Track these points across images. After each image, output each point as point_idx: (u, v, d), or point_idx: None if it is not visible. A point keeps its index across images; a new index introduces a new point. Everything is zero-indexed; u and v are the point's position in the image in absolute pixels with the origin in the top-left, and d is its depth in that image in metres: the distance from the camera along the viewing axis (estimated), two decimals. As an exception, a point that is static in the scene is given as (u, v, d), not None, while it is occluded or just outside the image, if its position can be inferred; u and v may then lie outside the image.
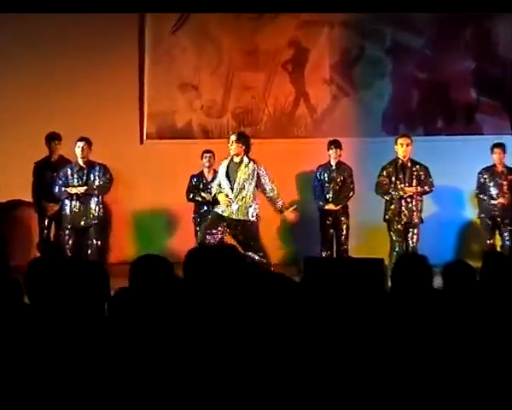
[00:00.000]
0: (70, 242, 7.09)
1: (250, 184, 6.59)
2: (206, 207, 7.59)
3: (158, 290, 2.60)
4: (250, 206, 6.58)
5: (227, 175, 6.63)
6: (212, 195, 6.85)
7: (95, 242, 7.14)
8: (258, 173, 6.63)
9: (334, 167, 7.59)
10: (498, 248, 7.35)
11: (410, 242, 7.12)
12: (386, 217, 7.22)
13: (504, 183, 7.38)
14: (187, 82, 8.84)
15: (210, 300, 2.19)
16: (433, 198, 7.79)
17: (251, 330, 2.32)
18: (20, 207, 8.11)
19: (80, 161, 7.19)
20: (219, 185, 6.70)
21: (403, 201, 7.14)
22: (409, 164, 7.20)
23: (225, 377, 2.04)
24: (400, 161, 7.20)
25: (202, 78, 8.83)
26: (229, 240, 6.61)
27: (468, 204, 8.21)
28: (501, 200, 7.35)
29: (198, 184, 7.75)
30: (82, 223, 7.12)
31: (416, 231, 7.14)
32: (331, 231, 7.51)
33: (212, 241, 6.52)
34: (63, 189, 7.14)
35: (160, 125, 8.83)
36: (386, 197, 7.22)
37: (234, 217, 6.57)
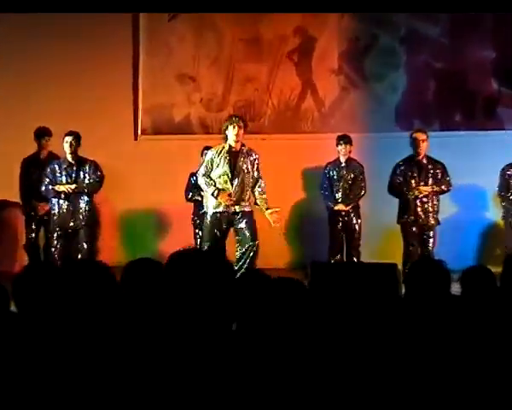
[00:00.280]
0: (58, 245, 7.01)
1: (251, 175, 6.59)
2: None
3: (150, 295, 2.59)
4: (249, 198, 6.59)
5: (230, 165, 6.56)
6: (210, 190, 6.63)
7: (85, 245, 7.03)
8: (257, 165, 6.63)
9: (343, 164, 7.57)
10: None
11: (426, 245, 7.10)
12: (401, 219, 7.21)
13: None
14: (185, 73, 8.85)
15: (191, 309, 2.19)
16: (452, 198, 7.77)
17: (249, 339, 2.33)
18: (5, 207, 8.12)
19: (69, 157, 7.12)
20: (211, 177, 6.57)
21: (418, 201, 7.13)
22: (425, 161, 7.19)
23: (226, 385, 2.05)
24: (415, 159, 7.19)
25: (201, 69, 8.84)
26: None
27: (491, 204, 8.19)
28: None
29: (197, 184, 7.72)
30: (71, 224, 7.03)
31: (432, 233, 7.12)
32: (341, 233, 7.50)
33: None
34: (50, 187, 7.06)
35: (156, 120, 8.83)
36: (400, 198, 7.22)
37: (237, 209, 6.55)
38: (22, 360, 2.26)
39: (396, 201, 7.30)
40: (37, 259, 7.39)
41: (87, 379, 2.16)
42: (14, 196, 7.74)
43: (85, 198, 7.11)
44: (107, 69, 8.57)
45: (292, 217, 8.40)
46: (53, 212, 7.11)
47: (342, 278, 3.52)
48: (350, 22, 8.65)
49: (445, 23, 8.62)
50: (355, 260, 7.34)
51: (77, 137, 7.08)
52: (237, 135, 6.53)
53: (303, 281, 2.86)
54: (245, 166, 6.59)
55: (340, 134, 7.68)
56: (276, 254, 6.84)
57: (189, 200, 7.80)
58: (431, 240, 7.12)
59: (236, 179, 6.56)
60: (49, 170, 7.13)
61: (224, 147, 6.64)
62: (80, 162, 7.14)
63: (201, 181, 6.69)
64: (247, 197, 6.59)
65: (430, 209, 7.13)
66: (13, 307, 2.79)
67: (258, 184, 6.64)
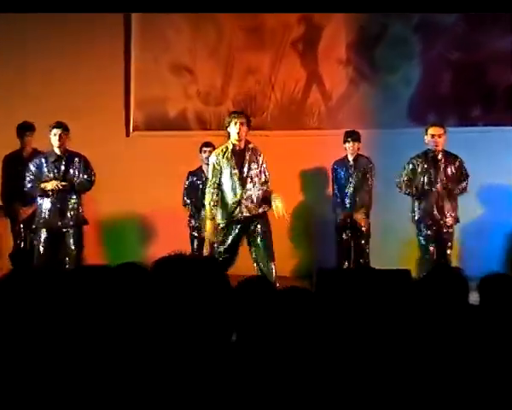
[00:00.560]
0: (43, 248, 6.88)
1: (258, 174, 6.56)
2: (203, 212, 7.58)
3: (134, 304, 2.63)
4: (262, 197, 6.54)
5: (236, 168, 6.51)
6: (209, 202, 6.55)
7: (73, 248, 6.95)
8: (263, 164, 6.62)
9: (351, 163, 7.59)
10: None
11: (444, 248, 7.07)
12: (415, 217, 7.18)
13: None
14: (180, 64, 8.85)
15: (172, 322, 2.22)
16: (473, 200, 7.73)
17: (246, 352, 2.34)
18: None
19: (57, 151, 7.03)
20: (218, 184, 6.55)
21: (434, 199, 7.10)
22: (440, 157, 7.18)
23: (225, 401, 2.05)
24: (431, 154, 7.18)
25: (198, 59, 8.84)
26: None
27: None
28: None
29: (197, 184, 7.71)
30: (59, 223, 6.92)
31: (449, 235, 7.11)
32: (349, 239, 7.50)
33: (225, 254, 6.48)
34: (36, 184, 6.93)
35: (150, 115, 8.84)
36: (413, 196, 7.20)
37: (247, 214, 6.51)
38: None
39: (409, 201, 7.28)
40: (22, 267, 7.31)
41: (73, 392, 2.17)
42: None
43: (74, 197, 7.04)
44: (96, 60, 8.58)
45: (296, 220, 8.38)
46: (38, 211, 7.00)
47: (351, 286, 3.51)
48: (359, 9, 8.67)
49: (462, 10, 8.63)
50: (364, 265, 7.33)
51: (65, 129, 7.00)
52: (240, 132, 6.49)
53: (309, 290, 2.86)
54: (253, 166, 6.57)
55: (347, 130, 7.67)
56: (278, 259, 6.82)
57: (185, 205, 7.78)
58: (449, 243, 7.08)
59: (246, 183, 6.54)
60: (33, 165, 7.00)
61: (227, 147, 6.59)
62: (69, 156, 7.06)
63: (206, 196, 6.64)
64: (259, 201, 6.55)
65: (448, 208, 7.10)
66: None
67: (266, 183, 6.63)
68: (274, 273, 6.40)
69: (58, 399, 2.17)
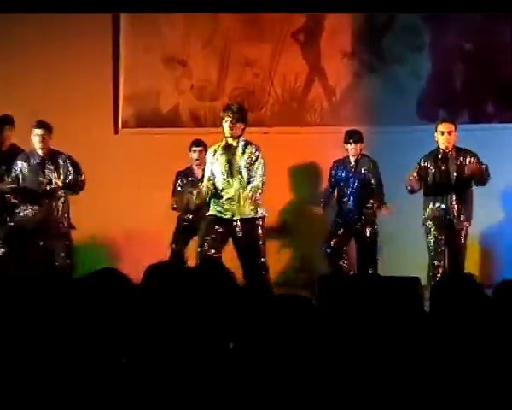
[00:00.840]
0: (27, 257, 6.88)
1: (254, 173, 6.57)
2: (191, 216, 7.58)
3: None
4: (255, 200, 6.56)
5: (227, 166, 6.58)
6: (206, 194, 6.66)
7: (66, 260, 6.96)
8: (255, 160, 6.61)
9: (352, 164, 7.58)
10: None
11: (455, 252, 7.07)
12: (424, 216, 7.18)
13: None
14: (173, 56, 8.84)
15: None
16: (488, 202, 7.72)
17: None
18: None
19: (40, 152, 7.03)
20: (210, 179, 6.64)
21: (445, 199, 7.09)
22: (453, 154, 7.17)
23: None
24: (442, 152, 7.17)
25: (192, 51, 8.83)
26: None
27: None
28: None
29: (185, 184, 7.71)
30: (43, 233, 6.93)
31: (461, 238, 7.10)
32: (343, 240, 7.56)
33: (215, 254, 6.50)
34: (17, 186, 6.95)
35: (140, 111, 8.82)
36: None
37: (236, 217, 6.55)
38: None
39: (420, 204, 7.27)
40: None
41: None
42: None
43: (62, 201, 7.03)
44: (82, 51, 8.55)
45: (297, 221, 8.38)
46: (20, 217, 6.99)
47: (355, 294, 3.49)
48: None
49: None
50: (370, 273, 7.33)
51: (48, 130, 6.99)
52: (231, 128, 6.56)
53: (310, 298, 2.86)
54: (243, 162, 6.57)
55: (348, 130, 7.64)
56: (275, 265, 6.82)
57: (173, 208, 7.77)
58: (461, 246, 7.07)
59: (234, 181, 6.55)
60: (14, 167, 7.00)
61: (220, 144, 6.68)
62: (54, 156, 7.05)
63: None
64: (247, 203, 6.56)
65: (460, 208, 7.09)
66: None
67: (252, 183, 6.60)
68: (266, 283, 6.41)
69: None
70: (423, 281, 6.26)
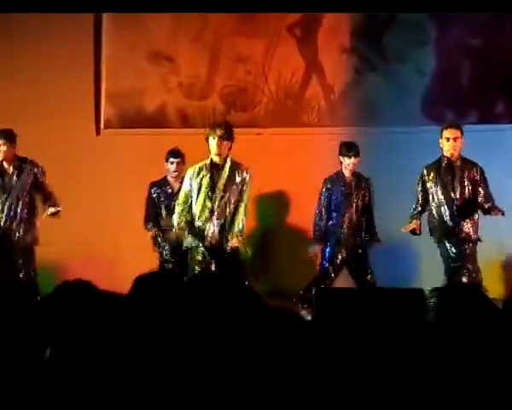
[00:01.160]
0: None
1: (238, 196, 6.67)
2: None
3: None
4: (239, 226, 6.67)
5: (211, 185, 6.68)
6: (177, 223, 6.79)
7: (29, 271, 7.03)
8: (245, 188, 6.69)
9: (350, 179, 7.42)
10: None
11: (467, 269, 7.07)
12: (430, 226, 7.21)
13: None
14: (159, 51, 8.84)
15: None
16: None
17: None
18: None
19: (5, 164, 7.04)
20: (189, 207, 6.74)
21: (449, 210, 7.12)
22: (459, 163, 7.19)
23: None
24: (446, 160, 7.19)
25: (180, 46, 8.84)
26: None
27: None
28: None
29: (161, 197, 7.69)
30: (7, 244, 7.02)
31: (470, 252, 7.11)
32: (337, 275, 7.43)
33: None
34: None
35: (124, 110, 8.83)
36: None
37: (214, 242, 6.66)
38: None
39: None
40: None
41: None
42: None
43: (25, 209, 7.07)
44: (60, 48, 8.55)
45: (292, 231, 8.38)
46: None
47: (355, 308, 3.51)
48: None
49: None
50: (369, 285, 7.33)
51: (9, 139, 6.94)
52: (219, 146, 6.68)
53: (305, 314, 2.86)
54: (231, 187, 6.69)
55: (345, 142, 7.53)
56: (273, 276, 6.83)
57: (145, 227, 7.76)
58: (469, 261, 7.09)
59: (214, 203, 6.67)
60: None
61: (205, 163, 6.75)
62: (20, 166, 7.04)
63: (175, 216, 6.86)
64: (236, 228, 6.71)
65: (465, 221, 7.12)
66: None
67: (237, 220, 6.70)
68: None
69: None
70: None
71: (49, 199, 7.10)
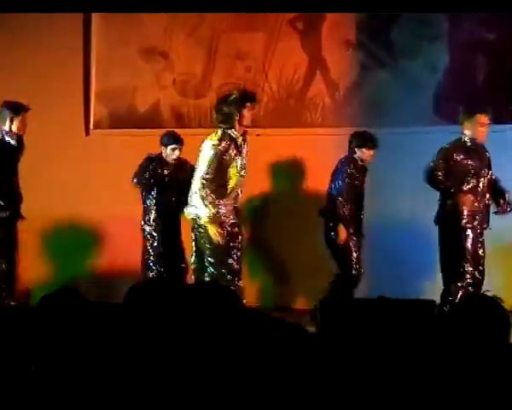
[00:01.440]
0: None
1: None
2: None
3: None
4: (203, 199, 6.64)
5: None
6: None
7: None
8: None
9: (365, 171, 7.60)
10: None
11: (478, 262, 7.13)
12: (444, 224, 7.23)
13: None
14: (153, 47, 8.86)
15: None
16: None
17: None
18: None
19: None
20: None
21: (476, 196, 7.16)
22: (486, 150, 7.28)
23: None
24: (473, 144, 7.23)
25: (175, 41, 8.85)
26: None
27: None
28: None
29: (155, 169, 7.73)
30: None
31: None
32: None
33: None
34: None
35: (114, 109, 8.84)
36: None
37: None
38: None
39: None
40: None
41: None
42: None
43: None
44: (47, 40, 8.57)
45: (294, 237, 8.38)
46: None
47: (362, 320, 3.50)
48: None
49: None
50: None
51: None
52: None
53: (308, 327, 2.87)
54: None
55: (365, 131, 7.61)
56: (274, 286, 6.82)
57: (139, 183, 7.79)
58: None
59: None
60: None
61: (237, 134, 6.78)
62: None
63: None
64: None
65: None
66: None
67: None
68: None
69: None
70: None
71: None
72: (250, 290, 7.25)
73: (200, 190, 6.54)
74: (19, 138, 7.19)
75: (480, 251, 7.10)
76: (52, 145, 8.08)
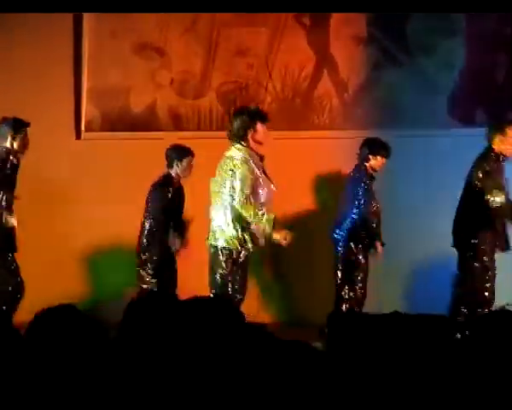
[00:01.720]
0: None
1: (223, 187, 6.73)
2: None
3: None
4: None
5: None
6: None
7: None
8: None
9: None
10: None
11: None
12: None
13: None
14: (148, 43, 8.86)
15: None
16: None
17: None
18: None
19: None
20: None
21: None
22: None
23: None
24: (502, 157, 7.25)
25: (172, 37, 8.85)
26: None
27: None
28: None
29: (174, 201, 7.67)
30: None
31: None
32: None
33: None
34: None
35: (107, 110, 8.83)
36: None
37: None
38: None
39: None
40: None
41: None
42: None
43: None
44: (36, 40, 8.57)
45: (300, 248, 8.36)
46: None
47: (373, 336, 3.49)
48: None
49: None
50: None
51: None
52: None
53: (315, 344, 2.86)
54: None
55: (376, 138, 7.61)
56: (272, 303, 6.82)
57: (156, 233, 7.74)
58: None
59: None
60: None
61: (253, 153, 6.92)
62: None
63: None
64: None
65: None
66: None
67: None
68: None
69: None
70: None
71: None
72: (253, 304, 7.23)
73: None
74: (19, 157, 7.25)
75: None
76: (40, 150, 8.04)
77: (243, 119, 6.82)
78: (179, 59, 8.86)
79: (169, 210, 7.52)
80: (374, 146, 7.54)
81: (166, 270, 7.59)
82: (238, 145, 6.77)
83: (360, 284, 7.54)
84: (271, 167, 7.00)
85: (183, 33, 8.84)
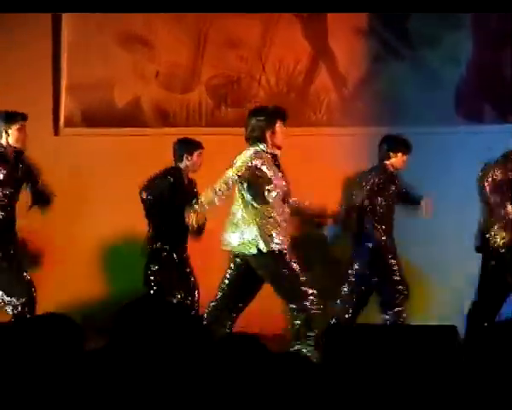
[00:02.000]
0: None
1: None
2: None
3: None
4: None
5: None
6: None
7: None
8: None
9: (397, 180, 7.64)
10: None
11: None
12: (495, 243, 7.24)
13: None
14: (132, 33, 8.86)
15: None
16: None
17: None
18: None
19: None
20: None
21: None
22: None
23: None
24: None
25: (158, 27, 8.86)
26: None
27: None
28: None
29: (176, 187, 7.65)
30: None
31: None
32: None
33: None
34: None
35: (88, 105, 8.84)
36: None
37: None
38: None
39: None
40: None
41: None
42: None
43: None
44: (11, 29, 8.57)
45: (295, 247, 8.37)
46: None
47: (375, 349, 3.50)
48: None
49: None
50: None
51: None
52: None
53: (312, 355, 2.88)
54: None
55: (397, 136, 7.62)
56: (266, 312, 6.83)
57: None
58: None
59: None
60: None
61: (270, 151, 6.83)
62: None
63: None
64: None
65: None
66: None
67: None
68: None
69: None
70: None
71: None
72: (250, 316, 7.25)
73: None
74: (17, 154, 7.20)
75: None
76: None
77: (262, 119, 6.71)
78: (165, 50, 8.90)
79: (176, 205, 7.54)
80: (394, 143, 7.59)
81: (173, 272, 7.62)
82: (255, 147, 6.64)
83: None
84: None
85: (169, 23, 8.84)
